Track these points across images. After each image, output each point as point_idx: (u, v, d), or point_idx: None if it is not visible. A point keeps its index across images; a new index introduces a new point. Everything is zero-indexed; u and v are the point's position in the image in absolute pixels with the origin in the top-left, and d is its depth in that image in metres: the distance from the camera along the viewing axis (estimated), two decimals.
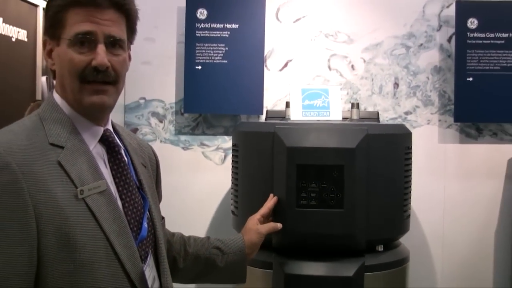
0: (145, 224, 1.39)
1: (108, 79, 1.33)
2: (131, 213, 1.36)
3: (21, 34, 2.91)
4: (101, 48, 1.31)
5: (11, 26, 2.81)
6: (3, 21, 2.69)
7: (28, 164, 1.21)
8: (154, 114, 3.23)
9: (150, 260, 1.41)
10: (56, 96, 1.37)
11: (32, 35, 3.03)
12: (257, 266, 2.32)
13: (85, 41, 1.30)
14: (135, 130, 3.18)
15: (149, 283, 1.36)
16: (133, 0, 1.41)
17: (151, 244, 1.44)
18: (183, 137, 3.22)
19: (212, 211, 3.20)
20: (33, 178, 1.20)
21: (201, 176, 3.21)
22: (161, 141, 3.22)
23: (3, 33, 2.72)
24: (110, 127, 1.44)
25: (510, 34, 3.09)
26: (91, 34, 1.30)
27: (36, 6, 3.03)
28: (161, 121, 3.23)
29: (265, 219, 2.12)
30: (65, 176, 1.25)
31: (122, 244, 1.28)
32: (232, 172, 2.60)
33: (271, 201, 2.22)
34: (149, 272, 1.39)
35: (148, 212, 1.44)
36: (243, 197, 2.50)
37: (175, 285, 1.58)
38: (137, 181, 1.46)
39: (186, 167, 3.22)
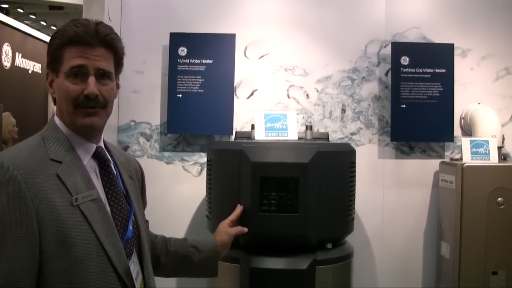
0: (130, 227, 1.39)
1: (97, 105, 1.34)
2: (118, 217, 1.36)
3: (36, 67, 2.90)
4: (91, 80, 1.32)
5: (28, 61, 2.79)
6: (22, 56, 2.67)
7: (31, 176, 1.21)
8: (143, 134, 3.21)
9: (134, 257, 1.41)
10: (56, 119, 1.37)
11: (45, 68, 3.02)
12: (227, 261, 2.31)
13: (78, 73, 1.31)
14: (126, 148, 3.16)
15: (134, 276, 1.35)
16: (120, 39, 1.41)
17: (135, 244, 1.43)
18: (166, 153, 3.21)
19: (190, 215, 3.17)
20: (35, 188, 1.20)
21: (181, 186, 3.19)
22: (148, 157, 3.20)
23: (21, 66, 2.70)
24: (102, 144, 1.44)
25: (434, 70, 3.13)
26: (83, 68, 1.31)
27: None
28: (148, 140, 3.21)
29: (234, 224, 2.13)
30: (62, 186, 1.25)
31: (110, 243, 1.28)
32: (206, 183, 2.60)
33: (238, 209, 2.23)
34: (134, 267, 1.38)
35: (133, 217, 1.43)
36: (216, 203, 2.50)
37: (158, 279, 1.57)
38: (124, 190, 1.46)
39: (169, 179, 3.19)
